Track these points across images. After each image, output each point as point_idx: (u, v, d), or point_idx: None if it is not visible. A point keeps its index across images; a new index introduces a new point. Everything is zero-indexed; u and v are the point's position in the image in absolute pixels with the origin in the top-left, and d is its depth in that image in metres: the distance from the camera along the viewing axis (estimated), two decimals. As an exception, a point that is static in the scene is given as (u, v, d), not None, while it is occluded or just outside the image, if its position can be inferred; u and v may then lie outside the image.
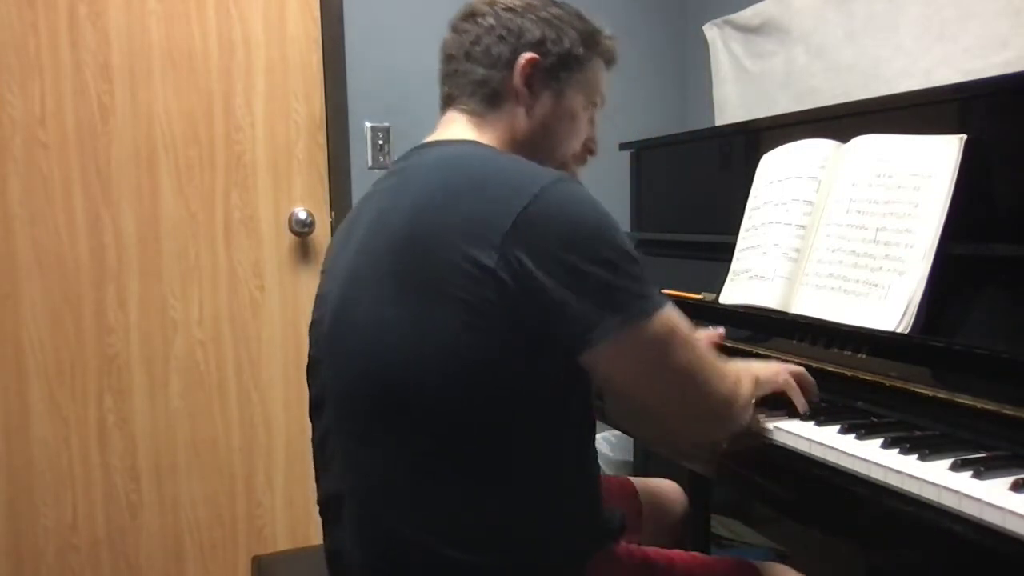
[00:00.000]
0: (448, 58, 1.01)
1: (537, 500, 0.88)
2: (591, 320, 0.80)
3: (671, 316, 0.85)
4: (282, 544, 2.09)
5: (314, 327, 0.99)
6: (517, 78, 0.97)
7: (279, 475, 2.07)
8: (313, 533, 2.11)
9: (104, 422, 1.93)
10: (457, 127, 0.99)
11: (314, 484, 1.00)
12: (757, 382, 1.01)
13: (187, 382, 2.00)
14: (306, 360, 1.00)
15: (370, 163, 2.12)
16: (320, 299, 0.98)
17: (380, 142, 2.12)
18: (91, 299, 1.91)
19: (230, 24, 1.97)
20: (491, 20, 0.98)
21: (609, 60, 1.06)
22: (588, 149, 1.07)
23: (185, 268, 1.98)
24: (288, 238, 2.06)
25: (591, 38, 1.02)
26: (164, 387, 1.98)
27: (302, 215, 2.04)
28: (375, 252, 0.88)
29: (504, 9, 0.98)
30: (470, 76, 0.98)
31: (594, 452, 0.98)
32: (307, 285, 2.08)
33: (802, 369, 1.09)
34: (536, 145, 0.99)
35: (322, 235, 2.09)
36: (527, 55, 0.97)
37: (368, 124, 2.11)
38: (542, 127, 1.00)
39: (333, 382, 0.93)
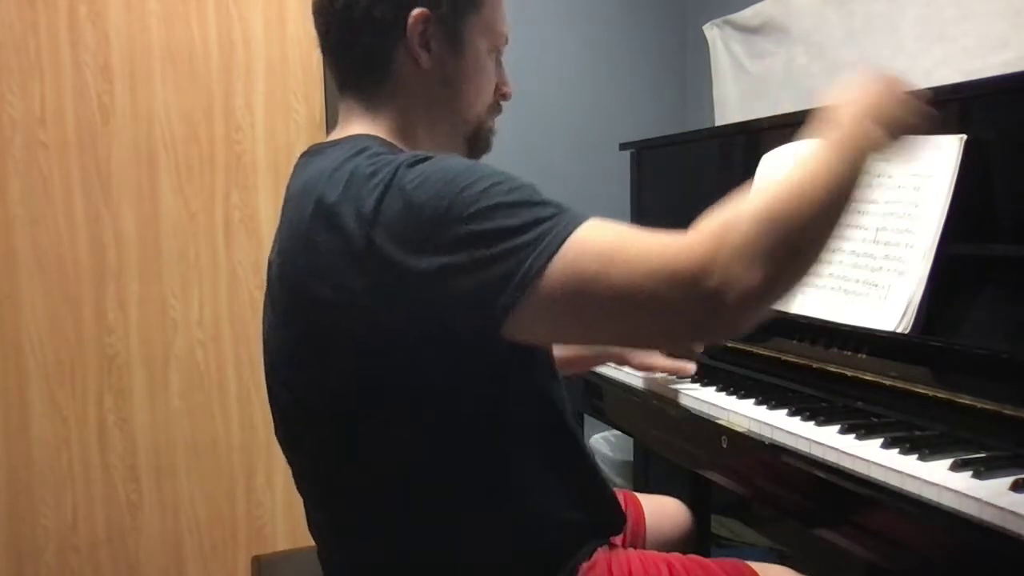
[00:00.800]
0: (323, 25, 0.87)
1: (527, 498, 0.85)
2: (490, 292, 0.67)
3: (583, 238, 0.67)
4: (282, 544, 2.09)
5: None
6: (411, 41, 0.84)
7: (279, 475, 2.07)
8: (313, 533, 2.11)
9: (104, 422, 1.93)
10: (351, 119, 0.89)
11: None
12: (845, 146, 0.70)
13: (187, 382, 2.00)
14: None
15: (370, 163, 2.11)
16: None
17: (380, 142, 2.11)
18: (91, 299, 1.91)
19: (230, 24, 1.97)
20: None
21: None
22: (502, 95, 0.94)
23: (185, 268, 1.98)
24: (288, 238, 2.06)
25: None
26: (164, 387, 1.98)
27: (302, 215, 2.04)
28: (272, 295, 0.84)
29: None
30: (352, 49, 0.86)
31: (585, 450, 0.94)
32: (307, 285, 2.08)
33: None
34: (447, 109, 0.89)
35: (322, 235, 2.09)
36: (416, 11, 0.83)
37: (368, 124, 2.10)
38: (449, 89, 0.88)
39: (286, 428, 0.89)
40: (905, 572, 0.93)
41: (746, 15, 2.12)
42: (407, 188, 0.70)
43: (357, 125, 0.88)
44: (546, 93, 2.28)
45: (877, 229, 1.14)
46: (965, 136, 1.07)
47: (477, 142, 0.93)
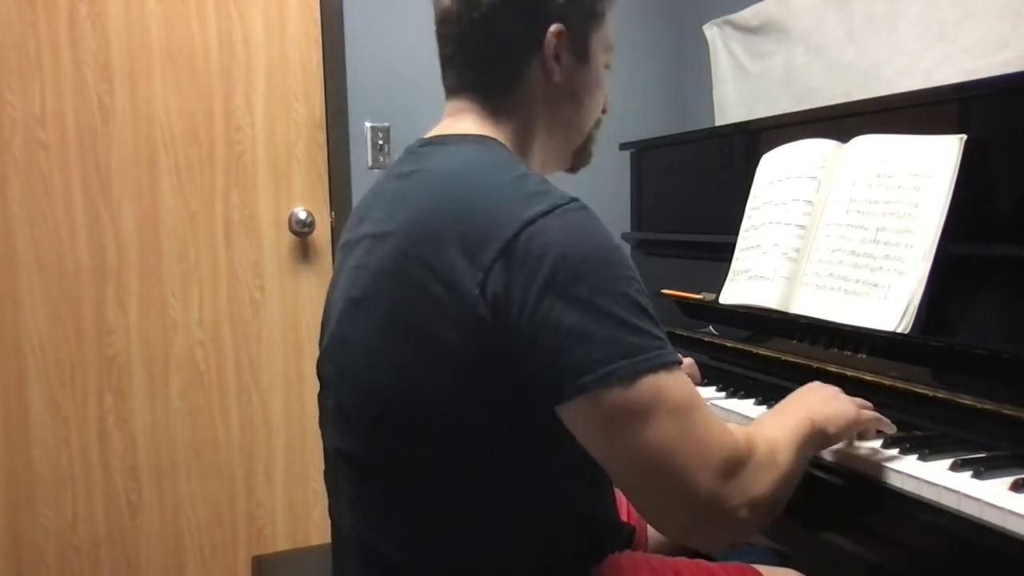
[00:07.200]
0: (454, 36, 0.88)
1: (543, 505, 0.84)
2: (583, 366, 0.69)
3: (673, 379, 0.72)
4: (282, 544, 2.09)
5: (320, 342, 0.94)
6: (547, 56, 0.86)
7: (279, 475, 2.07)
8: (313, 533, 2.11)
9: (104, 422, 1.93)
10: (468, 119, 0.89)
11: (314, 485, 0.99)
12: (812, 436, 0.84)
13: (187, 382, 2.00)
14: (308, 359, 0.99)
15: (370, 163, 2.12)
16: (325, 312, 0.93)
17: (380, 142, 2.12)
18: (91, 299, 1.91)
19: (230, 24, 1.97)
20: None
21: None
22: (603, 110, 0.98)
23: (185, 268, 1.98)
24: (288, 238, 2.06)
25: None
26: (164, 387, 1.98)
27: (302, 215, 2.04)
28: (370, 270, 0.82)
29: None
30: (486, 60, 0.87)
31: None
32: (307, 285, 2.08)
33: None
34: (567, 123, 0.92)
35: (322, 235, 2.09)
36: (554, 27, 0.85)
37: (368, 124, 2.11)
38: (574, 102, 0.91)
39: (334, 405, 0.88)
40: (905, 572, 0.93)
41: (746, 15, 2.12)
42: (565, 220, 0.73)
43: (477, 126, 0.88)
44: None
45: (877, 229, 1.14)
46: (965, 136, 1.07)
47: (582, 155, 0.98)
